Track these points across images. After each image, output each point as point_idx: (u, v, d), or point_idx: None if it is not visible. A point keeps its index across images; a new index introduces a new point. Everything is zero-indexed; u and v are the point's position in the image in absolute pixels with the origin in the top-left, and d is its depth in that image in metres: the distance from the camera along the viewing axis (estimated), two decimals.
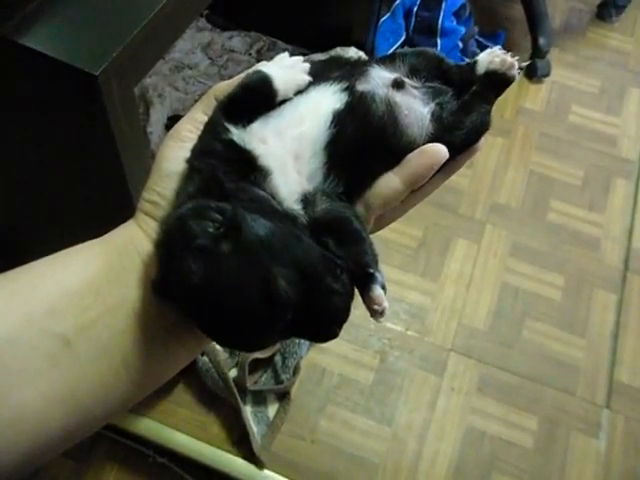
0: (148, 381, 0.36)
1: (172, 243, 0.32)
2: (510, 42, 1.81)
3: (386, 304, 0.36)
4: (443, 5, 1.53)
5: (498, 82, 0.42)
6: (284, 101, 0.38)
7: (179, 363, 0.38)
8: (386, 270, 1.27)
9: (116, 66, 0.53)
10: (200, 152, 0.36)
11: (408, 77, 0.41)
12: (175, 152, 0.37)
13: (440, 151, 0.38)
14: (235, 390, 1.10)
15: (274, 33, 1.50)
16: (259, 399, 1.16)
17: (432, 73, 0.42)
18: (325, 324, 0.35)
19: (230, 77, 1.32)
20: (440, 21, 1.53)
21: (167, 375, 0.38)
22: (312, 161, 0.37)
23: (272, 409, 1.15)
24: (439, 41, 1.54)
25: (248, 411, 1.13)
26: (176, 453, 1.11)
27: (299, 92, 0.39)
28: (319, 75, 0.40)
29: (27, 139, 0.69)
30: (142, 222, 0.37)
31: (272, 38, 1.51)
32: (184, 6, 0.63)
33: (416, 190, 0.40)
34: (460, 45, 1.59)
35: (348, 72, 0.40)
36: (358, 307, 1.21)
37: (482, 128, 0.41)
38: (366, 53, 1.44)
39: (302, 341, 1.17)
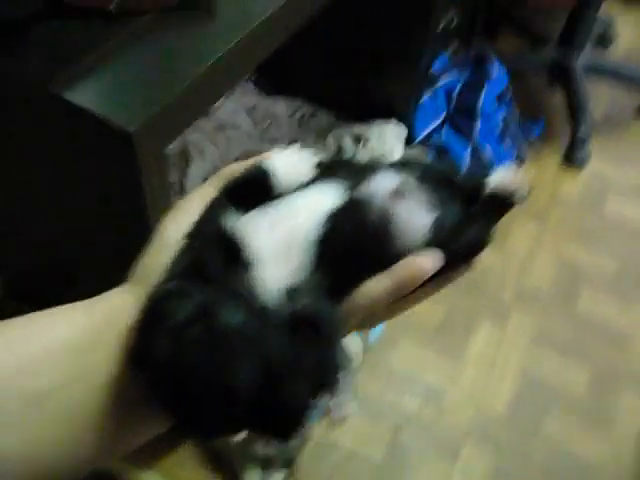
0: (115, 446, 0.36)
1: (150, 318, 0.33)
2: (550, 129, 1.83)
3: (346, 410, 0.35)
4: (484, 88, 1.57)
5: (501, 204, 0.42)
6: (284, 193, 0.39)
7: (148, 433, 0.37)
8: (406, 345, 1.26)
9: (151, 125, 0.56)
10: (197, 230, 0.37)
11: (417, 183, 0.42)
12: (176, 224, 0.38)
13: (430, 262, 0.38)
14: (241, 453, 1.08)
15: (317, 101, 1.55)
16: (266, 464, 1.13)
17: (440, 185, 0.42)
18: (277, 426, 0.34)
19: (272, 140, 1.36)
20: (480, 104, 1.56)
21: (135, 442, 0.38)
22: (300, 257, 0.37)
23: (278, 477, 1.12)
24: (478, 123, 1.56)
25: (254, 476, 1.10)
26: None
27: (300, 187, 0.39)
28: (324, 173, 0.40)
29: (59, 184, 0.72)
30: (133, 288, 0.37)
31: (315, 105, 1.55)
32: (224, 73, 0.66)
33: (405, 297, 0.40)
34: (500, 128, 1.61)
35: (353, 175, 0.41)
36: (376, 379, 1.19)
37: (478, 247, 0.41)
38: (405, 127, 1.47)
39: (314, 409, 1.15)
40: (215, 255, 0.36)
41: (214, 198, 0.38)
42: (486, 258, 0.42)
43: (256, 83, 1.57)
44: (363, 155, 1.44)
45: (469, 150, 1.56)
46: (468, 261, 0.41)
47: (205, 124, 1.46)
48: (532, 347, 1.38)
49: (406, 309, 0.43)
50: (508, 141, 1.63)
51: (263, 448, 1.10)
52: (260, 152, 0.41)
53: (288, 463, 1.14)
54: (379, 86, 1.45)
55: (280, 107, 1.54)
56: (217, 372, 0.31)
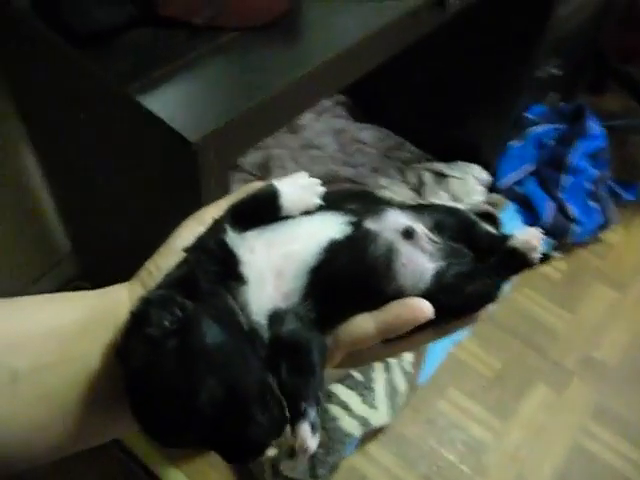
0: (82, 438, 0.36)
1: (132, 323, 0.33)
2: None
3: (310, 443, 0.34)
4: (577, 144, 1.51)
5: (520, 262, 0.40)
6: (288, 216, 0.39)
7: (117, 432, 0.38)
8: (453, 393, 1.22)
9: (216, 139, 0.58)
10: (197, 244, 0.37)
11: (430, 230, 0.40)
12: (189, 232, 0.38)
13: (423, 308, 0.36)
14: (269, 469, 1.08)
15: (405, 134, 1.55)
16: None
17: (459, 234, 0.41)
18: (238, 449, 0.34)
19: (354, 166, 1.37)
20: (571, 159, 1.50)
21: (103, 438, 0.38)
22: (293, 281, 0.37)
23: None
24: (565, 177, 1.51)
25: None
26: None
27: (306, 213, 0.39)
28: (333, 202, 0.40)
29: (126, 180, 0.75)
30: (133, 288, 0.38)
31: (402, 138, 1.55)
32: (299, 96, 0.67)
33: (400, 340, 0.39)
34: (590, 188, 1.54)
35: (364, 208, 0.40)
36: (418, 422, 1.16)
37: (483, 300, 0.39)
38: (490, 173, 1.44)
39: (349, 441, 1.13)
40: (209, 268, 0.36)
41: (221, 215, 0.39)
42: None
43: (347, 108, 1.59)
44: (441, 194, 1.42)
45: (552, 205, 1.50)
46: (471, 313, 0.40)
47: (291, 141, 1.49)
48: (587, 420, 1.30)
49: (399, 353, 0.41)
50: (597, 202, 1.56)
51: (290, 470, 1.10)
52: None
53: None
54: (467, 127, 1.43)
55: (367, 134, 1.55)
56: (182, 387, 0.31)
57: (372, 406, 1.17)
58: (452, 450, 1.23)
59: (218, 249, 0.37)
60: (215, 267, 0.36)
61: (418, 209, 0.42)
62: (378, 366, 1.21)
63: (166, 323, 0.32)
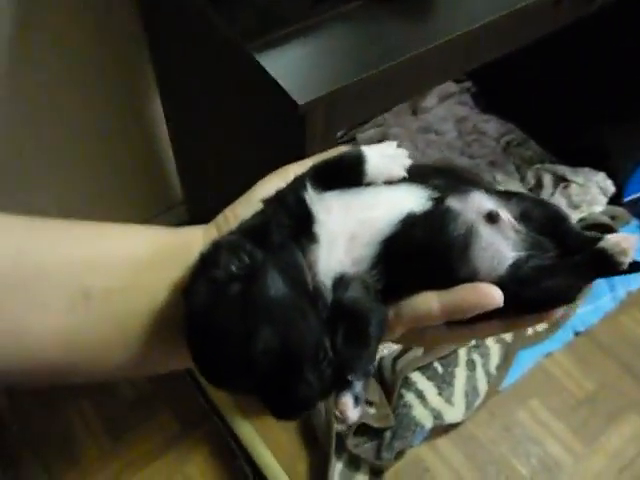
0: (140, 364, 0.38)
1: (200, 263, 0.34)
2: None
3: (351, 415, 0.34)
4: None
5: (606, 264, 0.37)
6: (370, 184, 0.38)
7: (175, 364, 0.39)
8: (536, 406, 1.17)
9: (325, 103, 0.58)
10: (276, 197, 0.38)
11: (516, 219, 0.38)
12: (270, 185, 0.39)
13: (492, 294, 0.35)
14: (334, 441, 1.09)
15: (530, 131, 1.48)
16: (353, 463, 1.13)
17: (545, 228, 0.39)
18: (284, 404, 0.34)
19: (471, 156, 1.34)
20: None
21: (160, 368, 0.40)
22: (365, 248, 0.36)
23: (360, 479, 1.12)
24: None
25: (337, 468, 1.11)
26: (259, 469, 1.14)
27: (389, 182, 0.39)
28: (418, 176, 0.39)
29: (233, 137, 0.77)
30: (208, 231, 0.39)
31: (526, 134, 1.48)
32: (419, 72, 0.66)
33: (464, 326, 0.38)
34: None
35: (449, 185, 0.39)
36: (493, 428, 1.12)
37: (559, 298, 0.37)
38: (615, 184, 1.35)
39: (418, 430, 1.12)
40: (284, 222, 0.36)
41: (304, 171, 0.39)
42: None
43: (473, 96, 1.54)
44: (559, 199, 1.35)
45: None
46: (544, 310, 0.38)
47: (411, 122, 1.47)
48: None
49: (462, 340, 0.40)
50: None
51: (355, 447, 1.10)
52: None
53: (375, 471, 1.13)
54: (599, 132, 1.34)
55: (490, 126, 1.49)
56: (239, 332, 0.32)
57: (448, 401, 1.15)
58: (525, 463, 1.18)
59: (295, 204, 0.37)
60: (290, 222, 0.36)
61: (506, 195, 0.40)
62: (461, 363, 1.19)
63: (233, 268, 0.33)
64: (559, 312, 0.38)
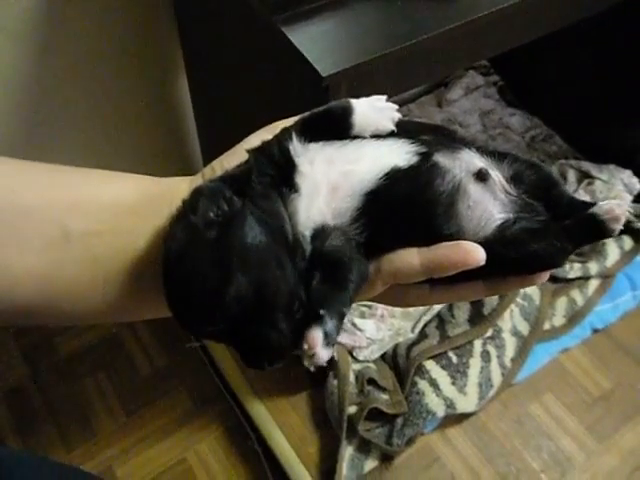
0: (119, 308, 0.39)
1: (181, 209, 0.35)
2: None
3: (320, 352, 0.32)
4: None
5: (597, 230, 0.36)
6: (357, 137, 0.38)
7: (152, 311, 0.40)
8: (551, 400, 1.16)
9: (349, 76, 0.58)
10: (261, 147, 0.38)
11: (507, 181, 0.38)
12: (258, 138, 0.39)
13: (474, 253, 0.34)
14: (345, 425, 1.10)
15: (556, 126, 1.47)
16: (363, 447, 1.13)
17: (537, 191, 0.38)
18: (254, 352, 0.34)
19: (494, 150, 1.33)
20: None
21: (138, 314, 0.40)
22: (346, 200, 0.36)
23: (370, 464, 1.12)
24: None
25: (348, 451, 1.12)
26: (270, 450, 1.15)
27: (376, 136, 0.38)
28: (406, 131, 0.38)
29: (259, 109, 0.78)
30: (194, 181, 0.39)
31: (552, 129, 1.47)
32: (442, 52, 0.66)
33: (447, 287, 0.37)
34: None
35: (438, 142, 0.38)
36: (506, 420, 1.11)
37: (545, 261, 0.36)
38: None
39: (430, 418, 1.12)
40: (266, 171, 0.36)
41: (292, 123, 0.39)
42: None
43: (500, 90, 1.53)
44: (582, 195, 1.34)
45: None
46: (529, 273, 0.37)
47: (435, 114, 1.47)
48: None
49: (445, 302, 0.40)
50: None
51: (366, 431, 1.11)
52: None
53: (385, 457, 1.13)
54: (625, 131, 1.33)
55: (516, 120, 1.48)
56: (213, 277, 0.32)
57: (461, 391, 1.15)
58: (536, 457, 1.17)
59: (279, 154, 0.37)
60: (272, 171, 0.36)
61: (498, 156, 0.39)
62: (476, 353, 1.18)
63: (211, 214, 0.33)
64: (544, 277, 0.37)
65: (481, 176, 0.37)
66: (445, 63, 0.71)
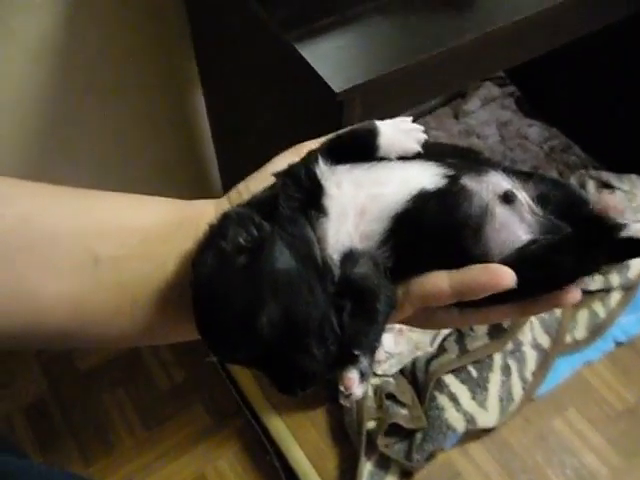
0: (147, 332, 0.39)
1: (209, 234, 0.34)
2: None
3: (356, 391, 0.33)
4: None
5: (631, 251, 0.35)
6: (384, 159, 0.38)
7: (180, 335, 0.40)
8: (573, 415, 1.14)
9: (362, 92, 0.58)
10: (287, 170, 0.37)
11: (533, 201, 0.37)
12: (284, 160, 0.38)
13: (504, 275, 0.33)
14: (364, 440, 1.09)
15: (575, 136, 1.45)
16: (383, 463, 1.12)
17: (565, 211, 0.37)
18: (286, 378, 0.33)
19: (513, 161, 1.33)
20: None
21: (164, 339, 0.40)
22: (374, 224, 0.36)
23: None
24: None
25: (367, 467, 1.11)
26: (289, 465, 1.14)
27: (402, 158, 0.38)
28: (433, 153, 0.38)
29: (273, 126, 0.78)
30: (220, 204, 0.39)
31: (570, 141, 1.45)
32: (457, 65, 0.65)
33: (476, 309, 0.37)
34: None
35: (465, 164, 0.38)
36: (528, 434, 1.09)
37: (570, 274, 0.35)
38: None
39: (450, 434, 1.11)
40: (294, 195, 0.36)
41: (319, 145, 0.38)
42: None
43: (517, 101, 1.52)
44: (603, 205, 1.32)
45: None
46: (554, 289, 0.36)
47: (452, 125, 1.46)
48: None
49: (474, 324, 0.39)
50: None
51: (385, 447, 1.10)
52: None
53: (404, 473, 1.12)
54: None
55: (533, 131, 1.47)
56: (244, 304, 0.32)
57: (482, 405, 1.13)
58: (559, 473, 1.15)
59: (306, 177, 0.37)
60: (299, 195, 0.36)
61: (524, 176, 0.38)
62: (496, 367, 1.17)
63: (240, 240, 0.33)
64: (574, 295, 0.36)
65: (507, 198, 0.37)
66: (460, 76, 0.71)
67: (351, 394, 0.33)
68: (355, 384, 0.33)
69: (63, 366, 1.30)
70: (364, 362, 0.34)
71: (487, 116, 1.48)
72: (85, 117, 1.06)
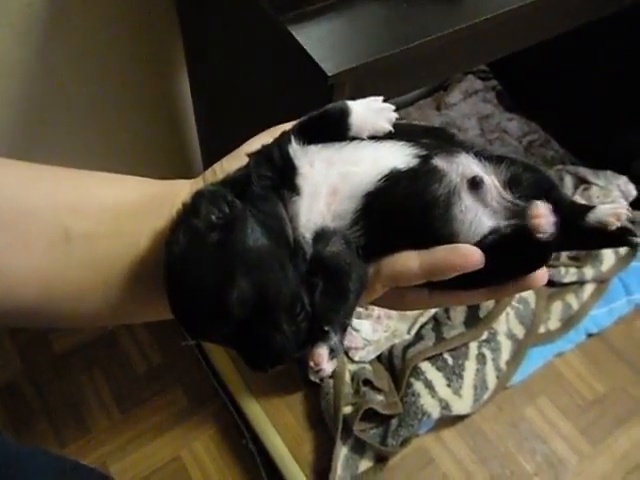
0: (119, 311, 0.39)
1: (182, 212, 0.35)
2: None
3: (326, 367, 0.33)
4: None
5: (601, 238, 0.36)
6: (356, 138, 0.38)
7: (153, 313, 0.40)
8: (545, 404, 1.16)
9: (353, 76, 0.59)
10: (261, 150, 0.38)
11: (503, 185, 0.37)
12: (258, 141, 0.39)
13: (473, 257, 0.34)
14: (340, 425, 1.10)
15: (554, 131, 1.48)
16: (358, 447, 1.14)
17: (534, 194, 0.37)
18: (257, 355, 0.34)
19: (492, 153, 1.34)
20: None
21: (138, 316, 0.40)
22: (346, 202, 0.36)
23: (364, 464, 1.13)
24: None
25: (342, 452, 1.12)
26: (265, 449, 1.15)
27: (374, 137, 0.38)
28: (405, 133, 0.38)
29: (262, 108, 0.78)
30: (196, 183, 0.39)
31: (549, 136, 1.48)
32: (444, 54, 0.66)
33: (445, 291, 0.37)
34: None
35: (437, 145, 0.38)
36: (500, 423, 1.12)
37: (534, 264, 0.37)
38: (637, 188, 1.34)
39: (425, 419, 1.12)
40: (266, 174, 0.36)
41: (291, 127, 0.39)
42: None
43: (498, 95, 1.54)
44: (579, 200, 1.35)
45: None
46: (520, 276, 0.37)
47: (434, 117, 1.48)
48: None
49: (445, 305, 0.40)
50: None
51: (361, 432, 1.11)
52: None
53: (379, 457, 1.13)
54: (622, 138, 1.34)
55: (513, 125, 1.49)
56: (214, 280, 0.32)
57: (456, 393, 1.15)
58: (530, 460, 1.18)
59: (279, 157, 0.37)
60: (272, 174, 0.36)
61: (496, 159, 0.39)
62: (472, 356, 1.19)
63: (212, 217, 0.33)
64: (540, 280, 0.37)
65: (474, 183, 0.37)
66: (448, 65, 0.72)
67: (321, 370, 0.33)
68: (324, 360, 0.33)
69: (39, 347, 1.29)
70: (334, 339, 0.34)
71: (468, 109, 1.49)
72: (66, 97, 1.05)
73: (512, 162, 0.39)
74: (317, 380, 0.32)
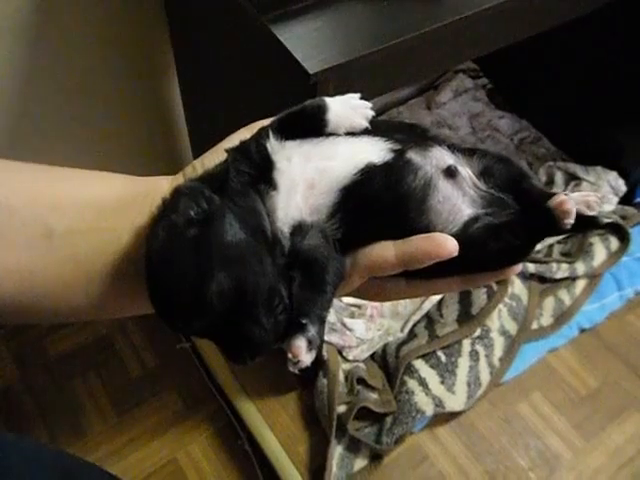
0: (102, 306, 0.39)
1: (161, 208, 0.35)
2: None
3: (304, 358, 0.34)
4: None
5: (551, 225, 0.36)
6: (333, 134, 0.39)
7: (135, 308, 0.40)
8: (539, 399, 1.17)
9: (336, 74, 0.59)
10: (239, 146, 0.38)
11: (477, 176, 0.39)
12: (237, 137, 0.39)
13: (447, 245, 0.35)
14: (335, 424, 1.11)
15: (544, 129, 1.48)
16: (353, 446, 1.14)
17: (506, 184, 0.39)
18: (236, 347, 0.34)
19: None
20: None
21: (120, 312, 0.41)
22: (323, 196, 0.37)
23: (359, 463, 1.13)
24: None
25: (337, 450, 1.12)
26: (260, 449, 1.15)
27: (351, 134, 0.39)
28: (380, 129, 0.39)
29: (246, 106, 0.78)
30: (176, 180, 0.40)
31: (540, 133, 1.49)
32: (427, 50, 0.66)
33: (423, 281, 0.38)
34: None
35: (411, 139, 0.39)
36: (494, 418, 1.12)
37: (506, 259, 0.38)
38: (627, 184, 1.35)
39: (419, 417, 1.13)
40: (244, 169, 0.37)
41: (270, 123, 0.39)
42: None
43: (488, 93, 1.55)
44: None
45: None
46: (494, 270, 0.38)
47: (425, 116, 1.48)
48: None
49: (422, 295, 0.41)
50: None
51: (355, 430, 1.11)
52: None
53: (374, 456, 1.14)
54: (611, 134, 1.35)
55: (504, 123, 1.50)
56: (193, 274, 0.33)
57: (450, 390, 1.16)
58: (524, 455, 1.18)
59: (256, 152, 0.38)
60: (250, 169, 0.37)
61: (469, 152, 0.40)
62: (465, 353, 1.19)
63: (191, 212, 0.34)
64: (514, 270, 0.38)
65: (450, 173, 0.38)
66: (431, 62, 0.72)
67: (299, 361, 0.34)
68: (303, 352, 0.34)
69: (34, 351, 1.29)
70: (312, 331, 0.34)
71: (459, 107, 1.50)
72: (55, 97, 1.05)
73: (484, 154, 0.40)
74: (296, 371, 0.32)
